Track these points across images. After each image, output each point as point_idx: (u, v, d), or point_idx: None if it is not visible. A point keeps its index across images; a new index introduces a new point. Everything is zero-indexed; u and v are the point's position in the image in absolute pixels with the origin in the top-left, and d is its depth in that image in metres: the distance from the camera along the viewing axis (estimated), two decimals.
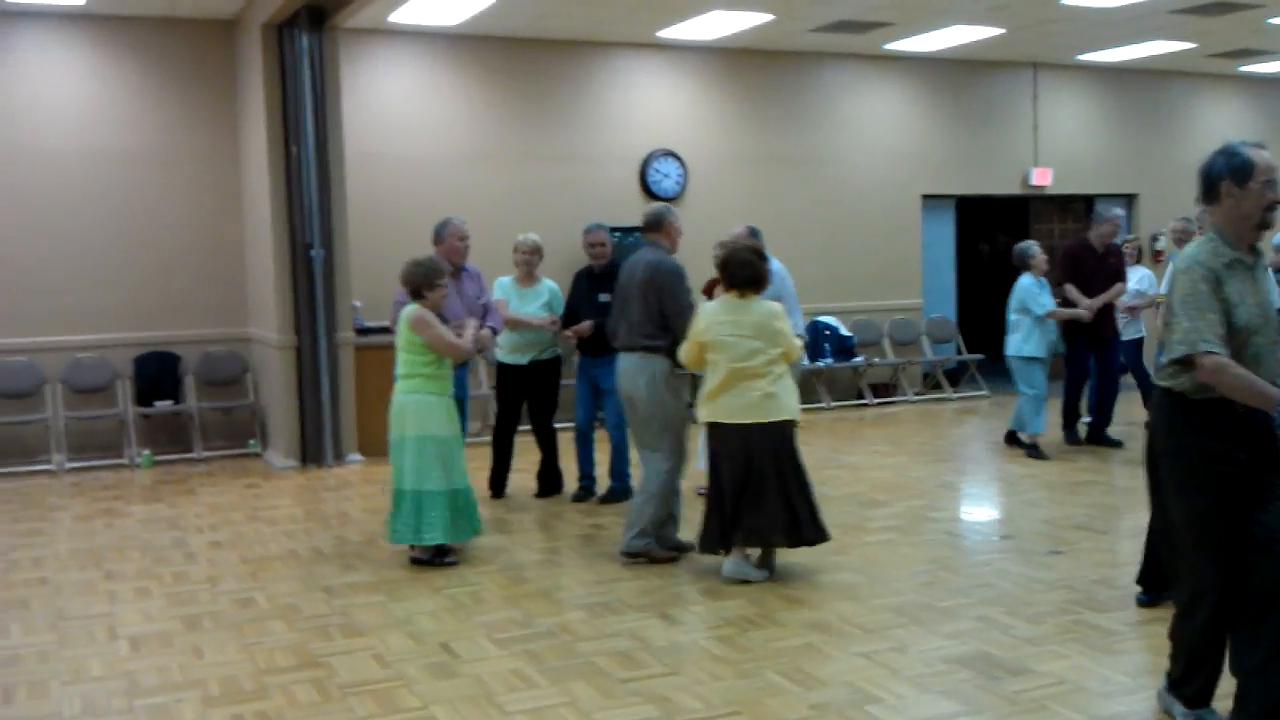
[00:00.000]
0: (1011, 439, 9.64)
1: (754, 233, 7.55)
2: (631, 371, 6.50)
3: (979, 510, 8.15)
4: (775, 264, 7.51)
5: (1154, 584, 5.36)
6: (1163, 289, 9.03)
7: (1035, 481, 8.46)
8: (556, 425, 8.30)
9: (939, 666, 4.78)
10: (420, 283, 6.46)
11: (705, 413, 6.09)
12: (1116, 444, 9.51)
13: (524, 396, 8.15)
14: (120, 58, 9.99)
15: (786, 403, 6.04)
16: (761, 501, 5.97)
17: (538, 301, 8.09)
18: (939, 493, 8.26)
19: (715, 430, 6.09)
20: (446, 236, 7.78)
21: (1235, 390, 3.71)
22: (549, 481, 8.31)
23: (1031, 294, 9.15)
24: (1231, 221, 3.82)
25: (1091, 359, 9.55)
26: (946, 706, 4.38)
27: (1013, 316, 9.29)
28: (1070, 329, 9.44)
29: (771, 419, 5.97)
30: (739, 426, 5.99)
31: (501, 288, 8.09)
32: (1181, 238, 9.59)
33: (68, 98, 9.86)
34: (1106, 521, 7.26)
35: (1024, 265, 9.24)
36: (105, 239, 9.99)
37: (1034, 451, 9.25)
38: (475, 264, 8.17)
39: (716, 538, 6.10)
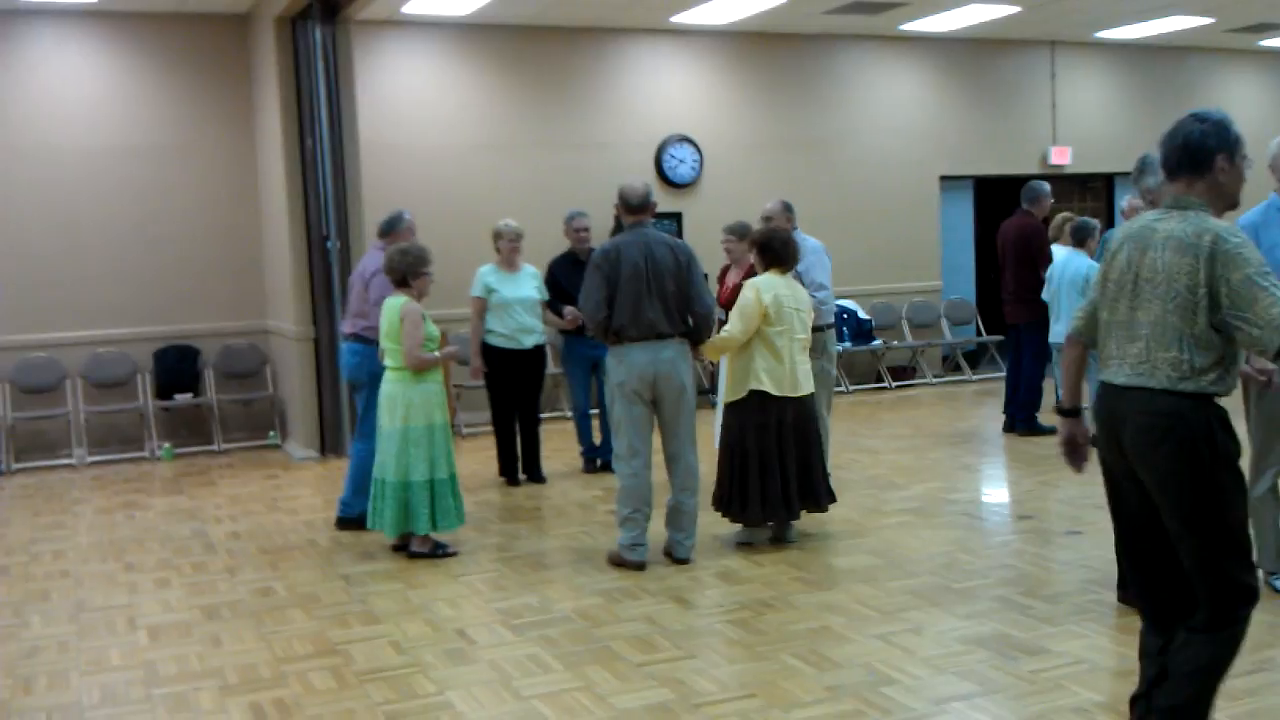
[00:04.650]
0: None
1: (787, 207, 7.53)
2: (677, 359, 6.04)
3: (997, 492, 8.11)
4: (812, 241, 7.50)
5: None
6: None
7: (1054, 462, 8.36)
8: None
9: (955, 647, 4.76)
10: (406, 270, 6.29)
11: (754, 384, 6.16)
12: (1049, 430, 8.95)
13: (518, 381, 8.16)
14: (134, 53, 10.01)
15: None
16: (804, 471, 6.27)
17: (531, 285, 8.12)
18: (958, 475, 8.22)
19: (753, 402, 6.18)
20: (402, 231, 7.14)
21: None
22: (535, 470, 8.31)
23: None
24: (1218, 198, 3.51)
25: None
26: (962, 687, 4.36)
27: (1075, 299, 8.08)
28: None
29: (810, 391, 6.37)
30: (792, 399, 6.21)
31: (491, 275, 8.06)
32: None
33: (83, 94, 9.89)
34: None
35: (1081, 243, 8.58)
36: (123, 234, 10.03)
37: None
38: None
39: (739, 506, 6.23)
